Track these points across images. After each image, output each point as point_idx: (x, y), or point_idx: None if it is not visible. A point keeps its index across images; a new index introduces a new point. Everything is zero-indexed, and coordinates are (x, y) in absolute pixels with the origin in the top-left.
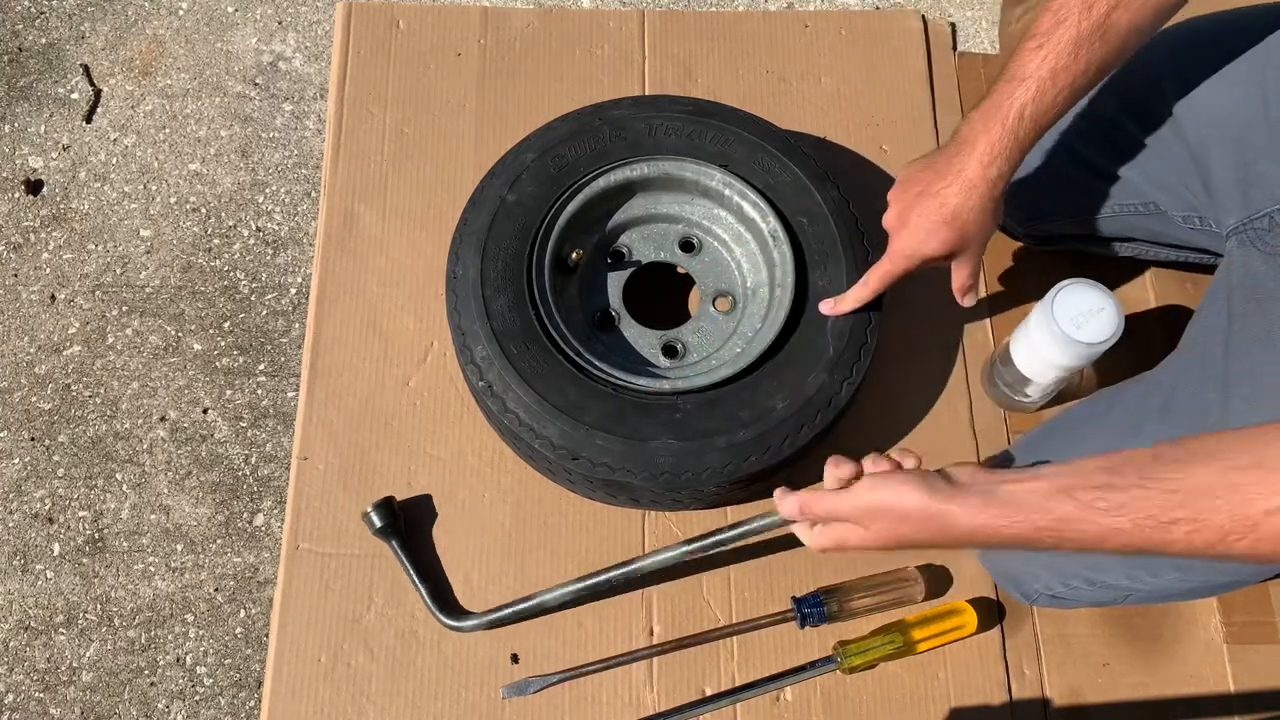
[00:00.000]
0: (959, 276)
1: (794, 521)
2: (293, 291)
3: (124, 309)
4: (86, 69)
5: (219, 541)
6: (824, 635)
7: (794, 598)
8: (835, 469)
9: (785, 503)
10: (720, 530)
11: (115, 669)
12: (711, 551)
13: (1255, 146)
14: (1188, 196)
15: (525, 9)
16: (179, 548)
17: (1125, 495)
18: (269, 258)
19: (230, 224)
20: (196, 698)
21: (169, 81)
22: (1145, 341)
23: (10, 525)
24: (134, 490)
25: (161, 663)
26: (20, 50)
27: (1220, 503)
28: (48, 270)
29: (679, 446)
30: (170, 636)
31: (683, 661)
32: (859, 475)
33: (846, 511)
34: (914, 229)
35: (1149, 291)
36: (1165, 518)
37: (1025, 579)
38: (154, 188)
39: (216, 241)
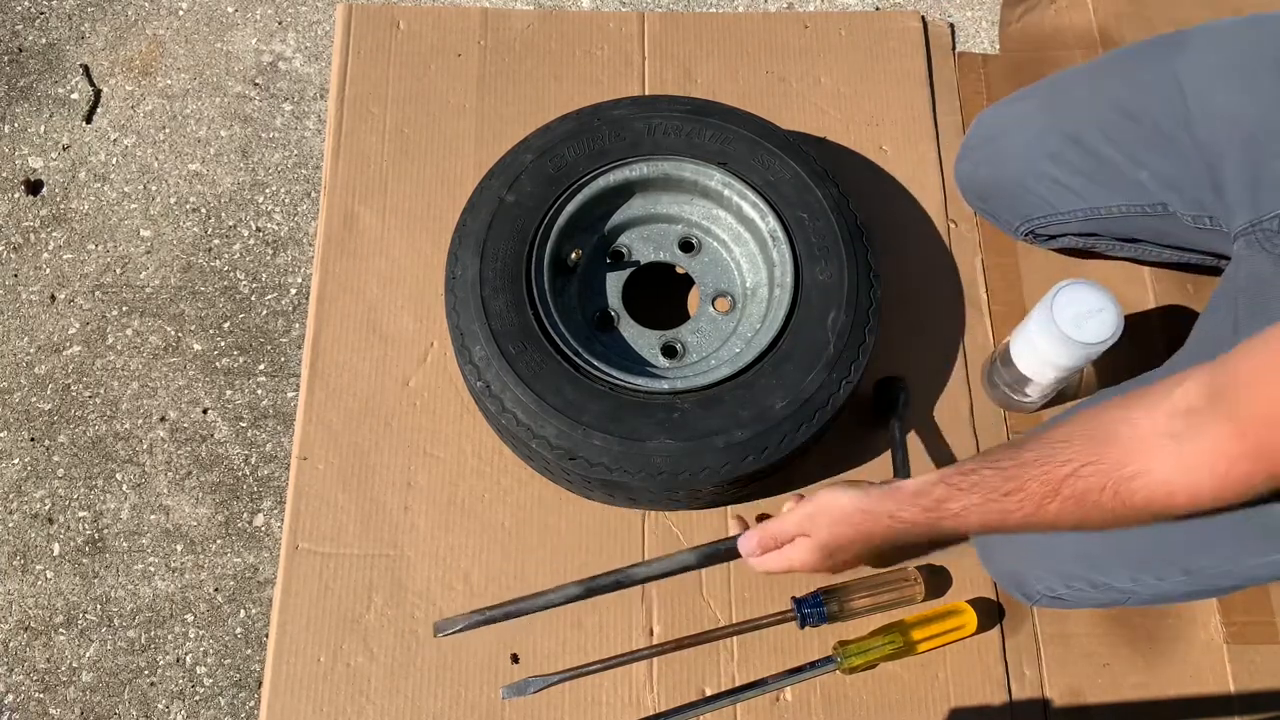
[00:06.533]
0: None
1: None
2: (293, 291)
3: (124, 309)
4: (86, 69)
5: (219, 541)
6: (824, 635)
7: (794, 598)
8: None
9: (743, 543)
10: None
11: (115, 669)
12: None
13: (1268, 146)
14: (1198, 197)
15: (525, 10)
16: (179, 548)
17: (977, 476)
18: (269, 258)
19: (230, 224)
20: (196, 698)
21: (169, 81)
22: (1145, 342)
23: (10, 525)
24: (134, 490)
25: (161, 663)
26: (20, 50)
27: (1036, 471)
28: (48, 270)
29: (677, 446)
30: (170, 636)
31: (683, 661)
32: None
33: (793, 524)
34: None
35: (1149, 292)
36: (1002, 490)
37: (1028, 580)
38: (154, 188)
39: (216, 241)
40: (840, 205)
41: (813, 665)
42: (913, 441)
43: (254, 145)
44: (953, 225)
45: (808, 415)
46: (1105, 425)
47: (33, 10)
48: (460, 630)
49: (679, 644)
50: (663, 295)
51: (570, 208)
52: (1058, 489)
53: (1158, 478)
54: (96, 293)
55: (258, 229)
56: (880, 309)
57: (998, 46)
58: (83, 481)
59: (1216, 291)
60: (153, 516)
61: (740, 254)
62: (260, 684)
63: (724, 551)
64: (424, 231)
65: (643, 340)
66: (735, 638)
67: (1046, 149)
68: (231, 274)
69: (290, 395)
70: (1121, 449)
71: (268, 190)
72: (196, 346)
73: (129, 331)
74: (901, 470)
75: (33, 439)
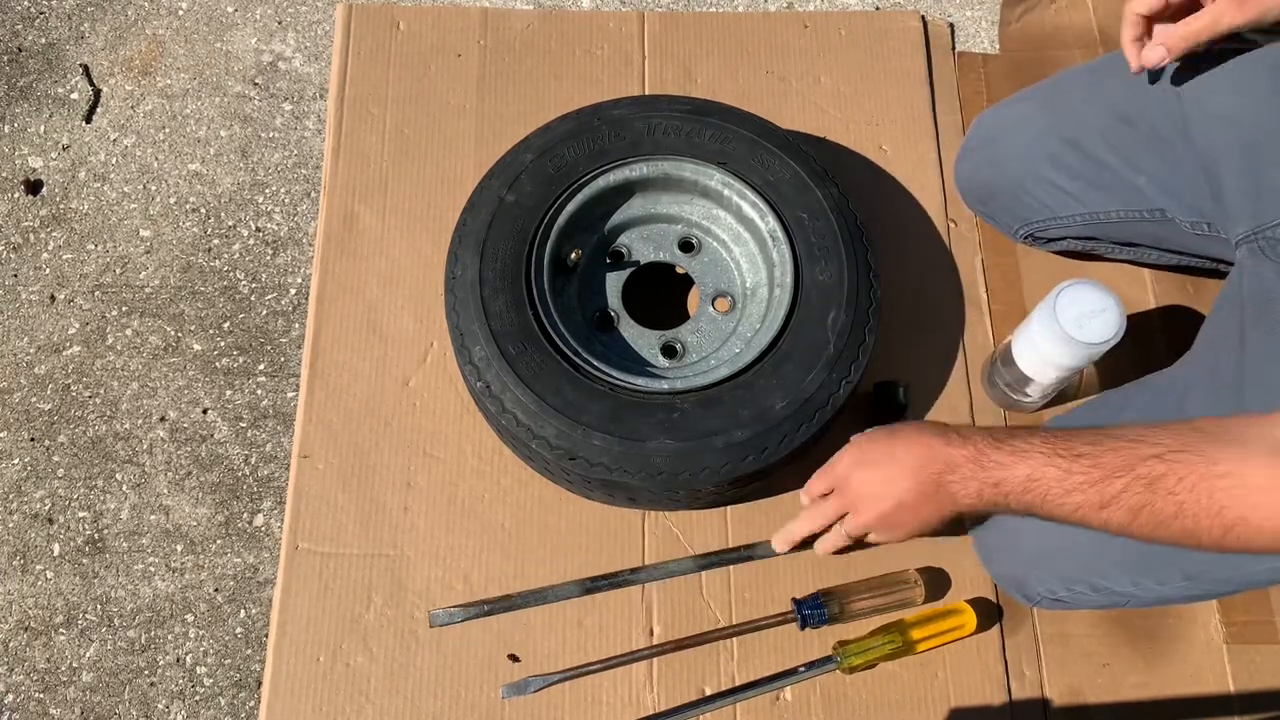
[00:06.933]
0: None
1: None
2: (293, 292)
3: (124, 309)
4: (86, 69)
5: (219, 542)
6: (824, 635)
7: (794, 599)
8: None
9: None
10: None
11: (115, 669)
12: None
13: (1268, 154)
14: (1196, 203)
15: (525, 10)
16: (179, 548)
17: (1053, 431)
18: (269, 258)
19: (230, 224)
20: (196, 698)
21: (169, 81)
22: (1146, 342)
23: (10, 525)
24: (134, 490)
25: (161, 663)
26: (20, 50)
27: (1119, 444)
28: (48, 270)
29: (676, 447)
30: (170, 636)
31: (683, 661)
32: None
33: (845, 458)
34: None
35: (1149, 292)
36: (1074, 450)
37: (1028, 582)
38: (154, 188)
39: (216, 241)
40: (840, 205)
41: (812, 665)
42: None
43: (254, 145)
44: (953, 225)
45: (808, 415)
46: (1210, 423)
47: (33, 10)
48: (457, 621)
49: (679, 644)
50: (663, 295)
51: (570, 208)
52: (1134, 466)
53: (1251, 483)
54: (96, 293)
55: (258, 229)
56: (880, 309)
57: (998, 46)
58: (83, 481)
59: (1220, 299)
60: (153, 516)
61: (740, 254)
62: (260, 684)
63: (726, 560)
64: (424, 231)
65: (643, 340)
66: (735, 638)
67: (1046, 151)
68: (231, 274)
69: (290, 395)
70: (1219, 445)
71: (268, 190)
72: (196, 346)
73: (129, 331)
74: None
75: (33, 439)
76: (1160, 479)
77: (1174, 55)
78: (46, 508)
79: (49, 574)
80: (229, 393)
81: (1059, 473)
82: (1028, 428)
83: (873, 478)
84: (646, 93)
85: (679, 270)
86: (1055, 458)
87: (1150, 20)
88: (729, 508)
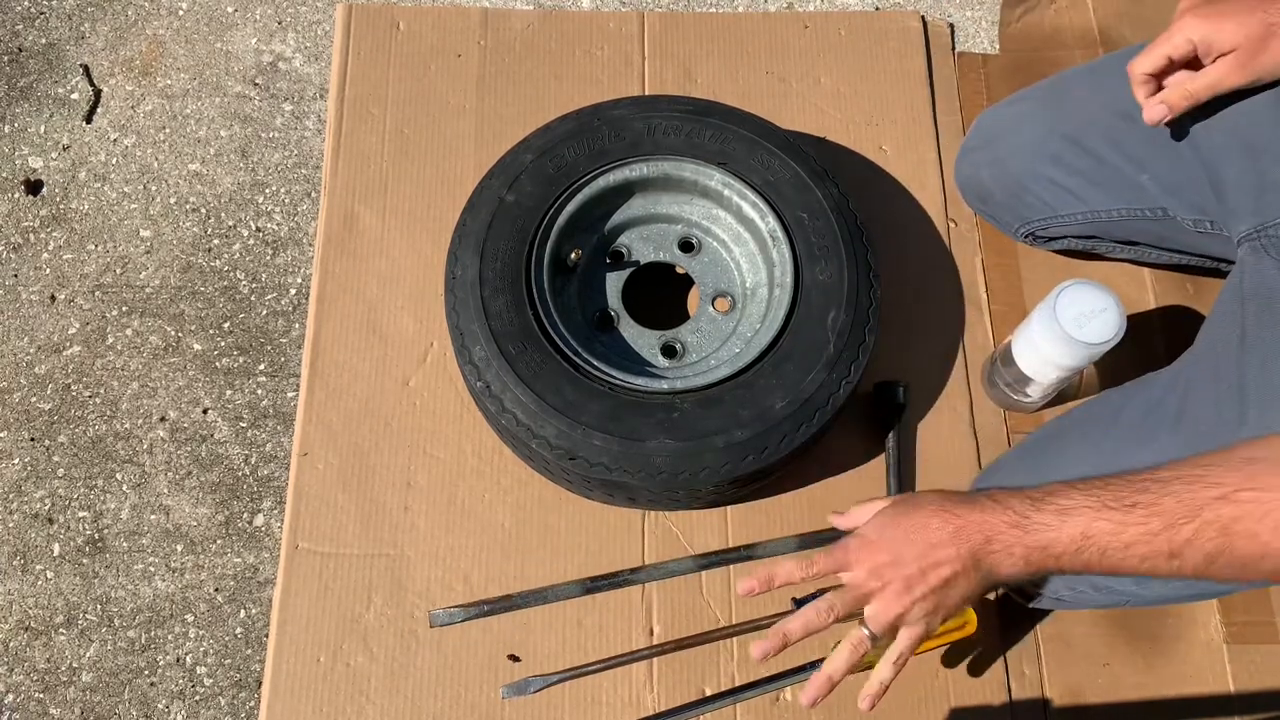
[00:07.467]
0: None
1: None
2: (293, 292)
3: (124, 309)
4: (86, 69)
5: (219, 541)
6: (824, 635)
7: (794, 599)
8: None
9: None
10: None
11: (115, 669)
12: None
13: (1270, 151)
14: (1198, 201)
15: (525, 10)
16: (179, 548)
17: (1100, 482)
18: (269, 258)
19: (230, 224)
20: (196, 698)
21: (169, 81)
22: (1145, 342)
23: (10, 525)
24: (134, 490)
25: (161, 663)
26: (20, 50)
27: (1176, 488)
28: (48, 270)
29: (676, 446)
30: (170, 636)
31: (683, 661)
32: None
33: (855, 544)
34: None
35: (1149, 292)
36: (1127, 500)
37: (1031, 583)
38: (154, 188)
39: (216, 242)
40: (840, 205)
41: (813, 665)
42: (911, 441)
43: (254, 145)
44: (953, 225)
45: (808, 415)
46: (1261, 448)
47: (33, 10)
48: (457, 621)
49: (679, 644)
50: (663, 295)
51: (570, 208)
52: (1199, 511)
53: None
54: (96, 293)
55: (258, 229)
56: (880, 309)
57: (998, 46)
58: (83, 481)
59: (1221, 296)
60: (153, 516)
61: (740, 254)
62: (260, 684)
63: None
64: (424, 231)
65: (642, 340)
66: (735, 638)
67: (1047, 149)
68: (231, 274)
69: (290, 395)
70: None
71: (268, 190)
72: (196, 346)
73: (129, 331)
74: (894, 483)
75: (33, 439)
76: (1235, 521)
77: (1176, 113)
78: (46, 508)
79: (49, 574)
80: (229, 393)
81: (1113, 525)
82: (1057, 483)
83: (896, 560)
84: (646, 93)
85: (679, 270)
86: (1105, 510)
87: (1158, 77)
88: (729, 508)
